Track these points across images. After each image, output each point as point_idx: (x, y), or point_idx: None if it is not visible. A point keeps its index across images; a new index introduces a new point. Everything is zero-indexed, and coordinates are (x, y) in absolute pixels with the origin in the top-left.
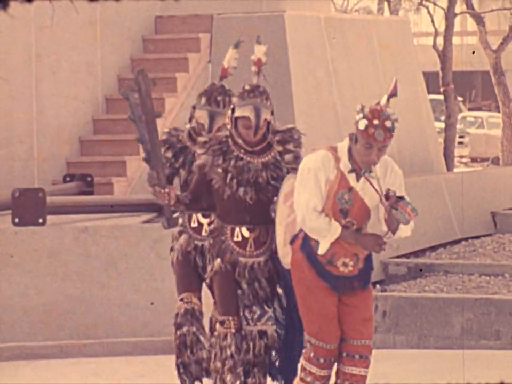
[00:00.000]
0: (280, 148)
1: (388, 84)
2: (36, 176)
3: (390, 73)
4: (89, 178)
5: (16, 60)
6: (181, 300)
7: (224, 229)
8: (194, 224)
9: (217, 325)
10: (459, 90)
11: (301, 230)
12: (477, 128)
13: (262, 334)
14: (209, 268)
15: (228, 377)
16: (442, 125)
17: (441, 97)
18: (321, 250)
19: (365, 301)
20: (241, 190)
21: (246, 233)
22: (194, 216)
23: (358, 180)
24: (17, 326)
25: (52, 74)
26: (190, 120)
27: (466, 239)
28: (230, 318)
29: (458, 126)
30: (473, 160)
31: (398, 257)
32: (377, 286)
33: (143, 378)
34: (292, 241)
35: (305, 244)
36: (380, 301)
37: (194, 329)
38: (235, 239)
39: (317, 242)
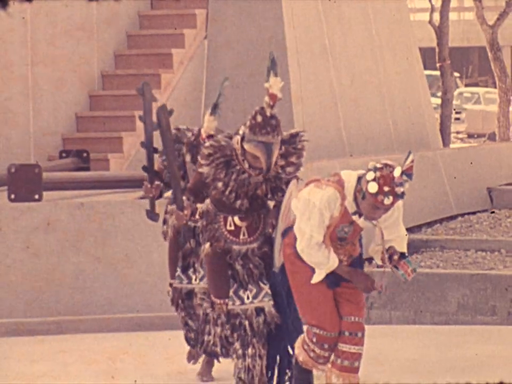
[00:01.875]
0: (282, 162)
1: (384, 60)
2: (32, 152)
3: (386, 49)
4: (85, 154)
5: (11, 37)
6: (170, 285)
7: (217, 216)
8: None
9: (208, 306)
10: (455, 66)
11: (292, 225)
12: (473, 104)
13: (260, 311)
14: (201, 249)
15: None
16: (439, 101)
17: (437, 73)
18: (315, 280)
19: (355, 289)
20: (238, 202)
21: (239, 222)
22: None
23: (360, 217)
24: (13, 302)
25: (48, 50)
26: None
27: (462, 214)
28: (222, 301)
29: (454, 102)
30: (470, 136)
31: None
32: (374, 261)
33: (139, 353)
34: (284, 235)
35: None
36: (376, 277)
37: (183, 313)
38: (228, 227)
39: None
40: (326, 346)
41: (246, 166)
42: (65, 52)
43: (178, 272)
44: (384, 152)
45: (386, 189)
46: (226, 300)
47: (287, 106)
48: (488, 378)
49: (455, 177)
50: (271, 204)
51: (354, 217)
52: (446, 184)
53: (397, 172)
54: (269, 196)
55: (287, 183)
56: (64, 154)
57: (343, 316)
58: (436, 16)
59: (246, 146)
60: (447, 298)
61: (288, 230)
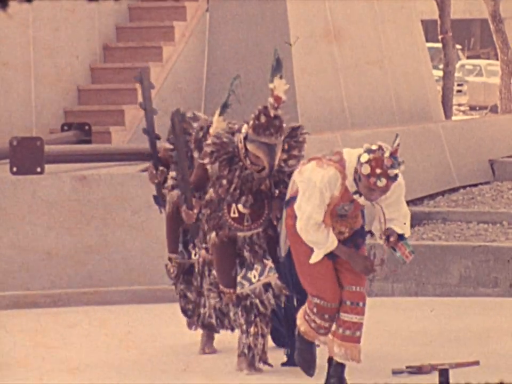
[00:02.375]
0: (285, 156)
1: (386, 32)
2: (34, 125)
3: (388, 21)
4: (87, 127)
5: (12, 7)
6: (169, 259)
7: (221, 204)
8: (234, 215)
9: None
10: (457, 38)
11: (295, 195)
12: (475, 76)
13: (267, 286)
14: (207, 239)
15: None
16: (441, 73)
17: (439, 45)
18: (313, 260)
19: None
20: (243, 199)
21: (243, 209)
22: None
23: (360, 196)
24: (15, 275)
25: (49, 23)
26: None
27: (464, 187)
28: (232, 291)
29: (456, 74)
30: (472, 108)
31: None
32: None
33: (141, 326)
34: (287, 205)
35: None
36: (378, 249)
37: (182, 286)
38: (232, 215)
39: None
40: (326, 316)
41: (248, 163)
42: (67, 25)
43: (181, 248)
44: (386, 124)
45: (378, 171)
46: (234, 290)
47: (289, 77)
48: (491, 350)
49: (457, 150)
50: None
51: (355, 196)
52: (448, 157)
53: (387, 154)
54: (273, 189)
55: (290, 175)
56: (66, 127)
57: (344, 286)
58: None
59: (248, 146)
60: (449, 270)
61: (291, 201)
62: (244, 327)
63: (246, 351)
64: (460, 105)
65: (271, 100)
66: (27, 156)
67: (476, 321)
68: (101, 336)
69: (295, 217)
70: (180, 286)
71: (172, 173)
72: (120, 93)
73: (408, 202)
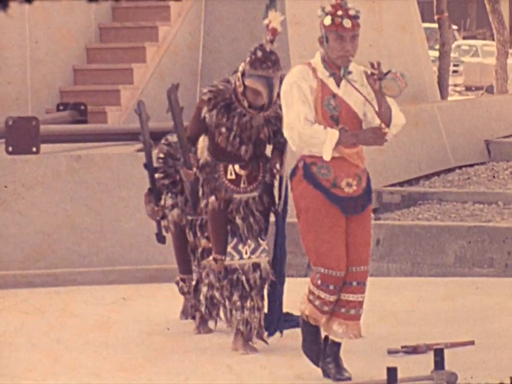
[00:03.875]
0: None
1: (381, 12)
2: (30, 104)
3: (384, 1)
4: (82, 107)
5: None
6: (182, 280)
7: (217, 166)
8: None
9: (211, 261)
10: (453, 19)
11: (300, 160)
12: (471, 56)
13: (256, 266)
14: (203, 204)
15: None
16: (437, 54)
17: (435, 25)
18: (327, 156)
19: (365, 223)
20: (243, 148)
21: (239, 171)
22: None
23: (338, 85)
24: (10, 254)
25: (45, 3)
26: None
27: (460, 167)
28: (224, 257)
29: (452, 55)
30: (468, 88)
31: (392, 185)
32: (371, 214)
33: (136, 306)
34: (292, 175)
35: (306, 172)
36: (374, 229)
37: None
38: (228, 176)
39: (319, 167)
40: (331, 287)
41: (246, 105)
42: (62, 5)
43: (193, 267)
44: None
45: (339, 13)
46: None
47: (286, 61)
48: (486, 330)
49: (453, 130)
50: (269, 149)
51: (334, 89)
52: (444, 137)
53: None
54: (271, 139)
55: None
56: (61, 107)
57: (352, 266)
58: None
59: (247, 81)
60: (445, 251)
61: (295, 170)
62: (239, 303)
63: (241, 327)
64: (455, 85)
65: (267, 35)
66: (22, 136)
67: (471, 301)
68: (97, 315)
69: (301, 176)
70: (193, 300)
71: (168, 195)
72: (116, 73)
73: (403, 183)
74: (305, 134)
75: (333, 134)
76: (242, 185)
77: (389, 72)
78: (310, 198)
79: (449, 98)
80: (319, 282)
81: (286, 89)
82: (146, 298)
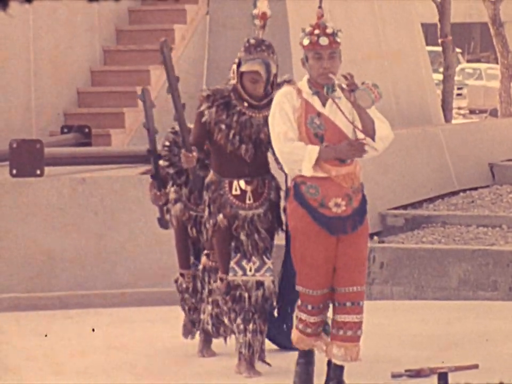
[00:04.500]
0: None
1: (386, 35)
2: (34, 127)
3: (388, 24)
4: (86, 130)
5: (12, 10)
6: (181, 275)
7: (222, 182)
8: (236, 192)
9: (218, 281)
10: (457, 42)
11: (292, 180)
12: (475, 79)
13: (259, 285)
14: (210, 223)
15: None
16: (441, 77)
17: (439, 48)
18: (306, 172)
19: (358, 243)
20: (243, 147)
21: (244, 186)
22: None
23: (323, 104)
24: (15, 277)
25: (50, 25)
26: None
27: (464, 190)
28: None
29: (456, 78)
30: (472, 111)
31: (395, 208)
32: (375, 237)
33: (141, 329)
34: (286, 195)
35: (296, 191)
36: (377, 252)
37: (193, 300)
38: (233, 192)
39: (307, 187)
40: (309, 307)
41: (246, 104)
42: (67, 28)
43: (193, 260)
44: None
45: (316, 31)
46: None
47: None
48: (490, 353)
49: (457, 153)
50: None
51: (320, 108)
52: (448, 160)
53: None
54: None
55: None
56: (65, 130)
57: (343, 287)
58: None
59: (243, 67)
60: (449, 274)
61: (289, 190)
62: (242, 326)
63: (244, 349)
64: (459, 108)
65: (256, 21)
66: (27, 158)
67: (475, 325)
68: (98, 339)
69: (292, 196)
70: (191, 299)
71: (172, 188)
72: (120, 95)
73: (407, 206)
74: (284, 151)
75: (312, 150)
76: (247, 201)
77: (362, 83)
78: (298, 217)
79: (453, 121)
80: (299, 302)
81: (271, 111)
82: (151, 321)
